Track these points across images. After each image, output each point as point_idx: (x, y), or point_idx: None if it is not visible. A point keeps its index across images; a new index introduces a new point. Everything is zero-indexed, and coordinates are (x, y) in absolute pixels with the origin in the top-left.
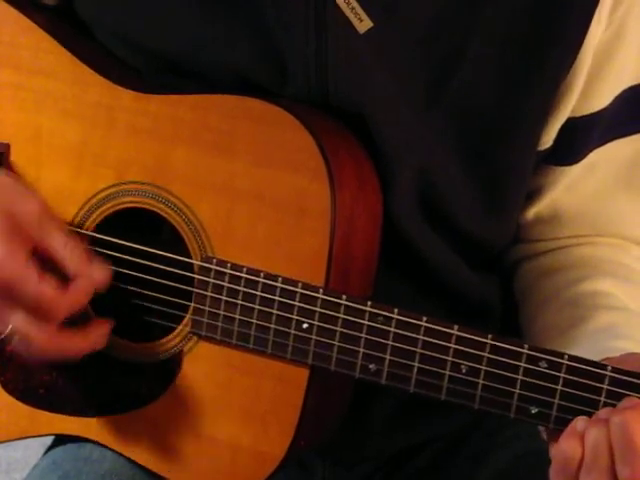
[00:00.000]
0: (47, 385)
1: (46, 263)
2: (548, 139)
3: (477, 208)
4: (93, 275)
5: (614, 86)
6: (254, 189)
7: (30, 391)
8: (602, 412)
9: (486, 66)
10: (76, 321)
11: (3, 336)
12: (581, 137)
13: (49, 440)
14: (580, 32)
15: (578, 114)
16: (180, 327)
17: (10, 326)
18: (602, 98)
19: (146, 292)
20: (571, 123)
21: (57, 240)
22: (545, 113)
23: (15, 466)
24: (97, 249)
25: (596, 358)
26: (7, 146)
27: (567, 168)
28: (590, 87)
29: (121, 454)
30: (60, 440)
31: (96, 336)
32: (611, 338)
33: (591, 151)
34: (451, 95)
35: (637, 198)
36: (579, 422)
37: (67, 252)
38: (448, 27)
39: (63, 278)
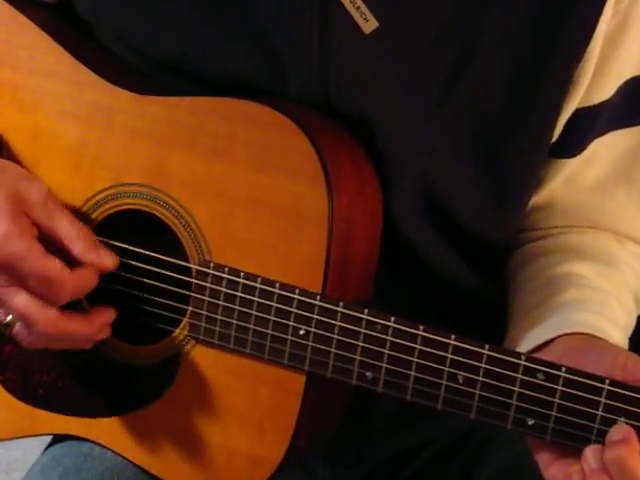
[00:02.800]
0: (46, 385)
1: (52, 246)
2: (555, 133)
3: (483, 208)
4: (101, 259)
5: (618, 77)
6: (252, 193)
7: (30, 391)
8: (592, 456)
9: (497, 66)
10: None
11: (7, 320)
12: (584, 129)
13: (49, 439)
14: (589, 25)
15: (583, 105)
16: (178, 330)
17: (15, 306)
18: (606, 89)
19: (144, 295)
20: (576, 115)
21: (64, 223)
22: (557, 109)
23: (15, 466)
24: None
25: (562, 329)
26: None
27: (567, 161)
28: (595, 78)
29: (119, 454)
30: (60, 437)
31: (100, 323)
32: (578, 311)
33: (591, 142)
34: (461, 96)
35: (635, 193)
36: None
37: (74, 235)
38: (457, 27)
39: (69, 262)
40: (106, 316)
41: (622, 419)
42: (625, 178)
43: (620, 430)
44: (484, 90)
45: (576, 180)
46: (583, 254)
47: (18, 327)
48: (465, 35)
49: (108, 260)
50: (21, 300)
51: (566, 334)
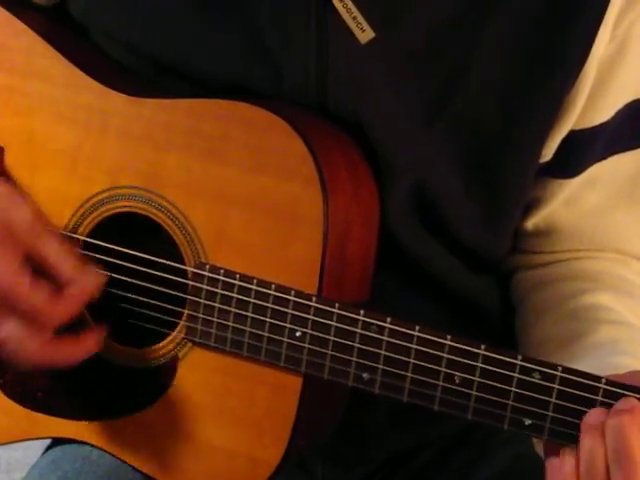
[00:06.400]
0: (45, 389)
1: (39, 271)
2: (549, 152)
3: (475, 220)
4: (87, 282)
5: (616, 100)
6: (247, 195)
7: (28, 394)
8: (593, 416)
9: (490, 80)
10: (74, 326)
11: None
12: (581, 150)
13: (49, 440)
14: (585, 47)
15: (579, 127)
16: (174, 333)
17: (2, 333)
18: (604, 112)
19: (140, 298)
20: (572, 136)
21: (50, 246)
22: (548, 128)
23: (15, 466)
24: (91, 254)
25: (598, 374)
26: (1, 150)
27: (566, 181)
28: (592, 100)
29: (118, 458)
30: (59, 440)
31: (89, 345)
32: (613, 354)
33: (592, 165)
34: (453, 110)
35: (636, 211)
36: (567, 459)
37: (60, 258)
38: (451, 42)
39: (57, 285)
40: (96, 338)
41: None
42: (626, 199)
43: (627, 401)
44: (476, 104)
45: (577, 203)
46: (602, 283)
47: (8, 350)
48: (460, 49)
49: (92, 280)
50: (10, 327)
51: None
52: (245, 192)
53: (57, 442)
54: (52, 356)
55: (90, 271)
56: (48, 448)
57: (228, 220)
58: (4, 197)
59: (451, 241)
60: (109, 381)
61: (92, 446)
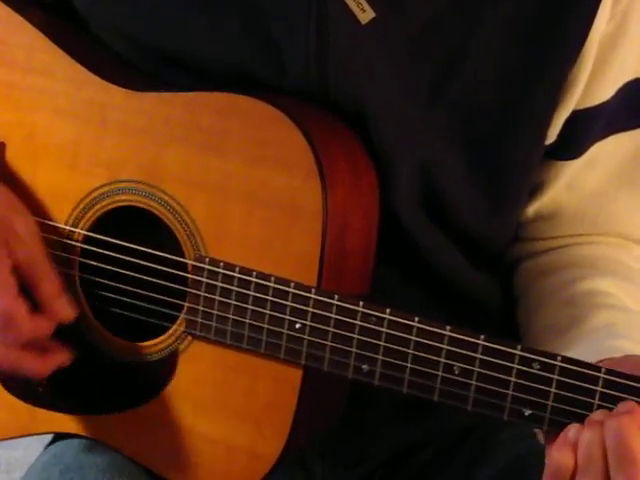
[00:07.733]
0: (46, 384)
1: (21, 280)
2: (553, 134)
3: (479, 205)
4: (61, 312)
5: (616, 79)
6: (247, 188)
7: (29, 390)
8: (596, 414)
9: (490, 63)
10: None
11: None
12: (583, 130)
13: (49, 439)
14: (584, 26)
15: (580, 106)
16: (174, 327)
17: None
18: (605, 91)
19: (140, 291)
20: (575, 116)
21: (41, 266)
22: (550, 110)
23: (15, 466)
24: (92, 248)
25: (595, 358)
26: (2, 145)
27: (568, 163)
28: (594, 79)
29: (119, 452)
30: (60, 435)
31: (53, 363)
32: (610, 337)
33: (592, 145)
34: (454, 92)
35: (638, 196)
36: (571, 430)
37: (46, 280)
38: (452, 22)
39: (33, 300)
40: (60, 359)
41: None
42: (628, 181)
43: (626, 403)
44: (477, 86)
45: (579, 185)
46: (600, 268)
47: None
48: (460, 29)
49: (66, 313)
50: None
51: (602, 359)
52: (245, 185)
53: (58, 437)
54: (17, 365)
55: (65, 302)
56: (49, 444)
57: (228, 213)
58: (10, 204)
59: (455, 230)
60: (110, 375)
61: (93, 440)
